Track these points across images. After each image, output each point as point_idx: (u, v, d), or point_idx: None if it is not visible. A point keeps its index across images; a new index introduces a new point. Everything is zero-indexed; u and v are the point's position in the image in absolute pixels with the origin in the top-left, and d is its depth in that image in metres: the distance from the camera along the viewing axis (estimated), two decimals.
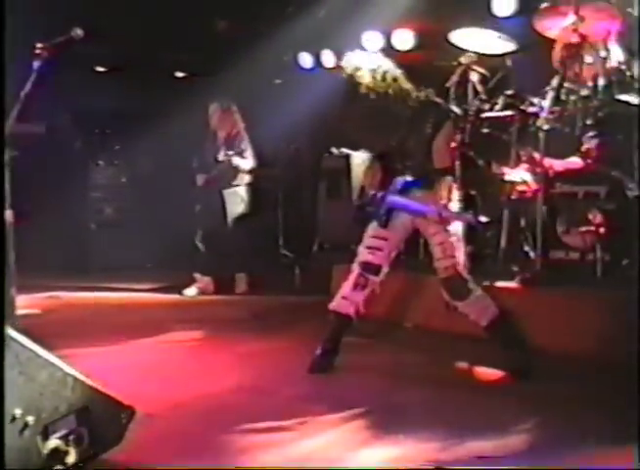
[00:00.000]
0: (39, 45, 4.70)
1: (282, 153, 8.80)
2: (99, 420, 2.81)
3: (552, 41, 5.54)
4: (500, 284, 5.05)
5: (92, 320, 6.15)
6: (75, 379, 2.74)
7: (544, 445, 3.21)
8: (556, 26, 5.45)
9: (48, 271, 8.02)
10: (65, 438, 2.66)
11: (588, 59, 5.31)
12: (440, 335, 5.15)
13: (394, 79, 4.18)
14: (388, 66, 4.22)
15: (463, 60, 5.67)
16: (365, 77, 4.13)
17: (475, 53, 5.69)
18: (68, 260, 8.90)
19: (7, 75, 4.22)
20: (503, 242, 5.51)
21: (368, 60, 4.21)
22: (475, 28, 6.06)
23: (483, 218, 3.88)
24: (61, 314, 6.40)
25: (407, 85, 4.23)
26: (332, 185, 7.89)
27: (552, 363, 4.30)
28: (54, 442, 2.63)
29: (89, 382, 2.80)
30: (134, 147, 9.42)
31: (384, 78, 4.15)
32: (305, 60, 8.92)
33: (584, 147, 5.40)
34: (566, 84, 5.34)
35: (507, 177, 5.55)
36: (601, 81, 5.23)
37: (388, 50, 7.56)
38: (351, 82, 4.17)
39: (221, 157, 7.18)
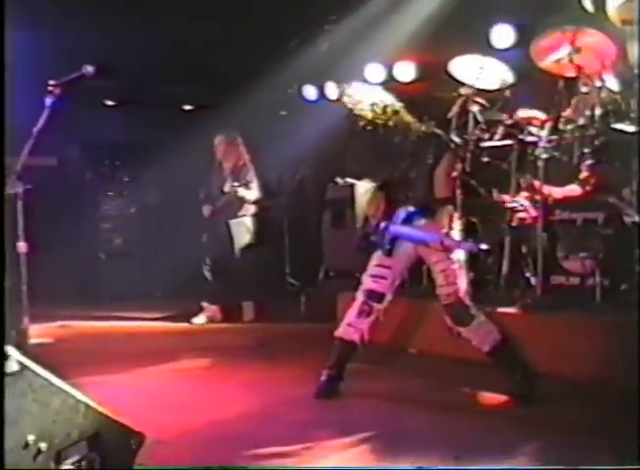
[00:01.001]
0: (52, 82, 4.83)
1: (287, 183, 8.90)
2: (110, 446, 2.83)
3: (549, 72, 5.66)
4: (502, 310, 5.10)
5: (103, 349, 6.21)
6: (87, 406, 2.77)
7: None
8: (553, 58, 5.56)
9: (59, 301, 8.06)
10: (77, 463, 2.69)
11: (584, 89, 5.42)
12: (444, 360, 5.18)
13: (395, 112, 4.27)
14: (388, 99, 4.32)
15: (463, 91, 5.77)
16: (365, 111, 4.23)
17: (474, 88, 5.79)
18: (78, 290, 9.00)
19: (21, 110, 4.36)
20: (504, 268, 5.59)
21: (368, 93, 4.32)
22: (474, 55, 6.18)
23: (484, 246, 3.94)
24: (72, 343, 6.47)
25: (408, 118, 4.32)
26: (336, 214, 7.94)
27: (554, 388, 4.33)
28: (66, 467, 2.65)
29: (100, 409, 2.83)
30: (143, 178, 9.56)
31: (384, 112, 4.25)
32: (310, 92, 9.01)
33: (582, 175, 5.47)
34: (563, 114, 5.46)
35: (507, 205, 5.63)
36: (597, 111, 5.33)
37: (391, 82, 7.69)
38: (352, 116, 4.27)
39: (227, 188, 7.25)
